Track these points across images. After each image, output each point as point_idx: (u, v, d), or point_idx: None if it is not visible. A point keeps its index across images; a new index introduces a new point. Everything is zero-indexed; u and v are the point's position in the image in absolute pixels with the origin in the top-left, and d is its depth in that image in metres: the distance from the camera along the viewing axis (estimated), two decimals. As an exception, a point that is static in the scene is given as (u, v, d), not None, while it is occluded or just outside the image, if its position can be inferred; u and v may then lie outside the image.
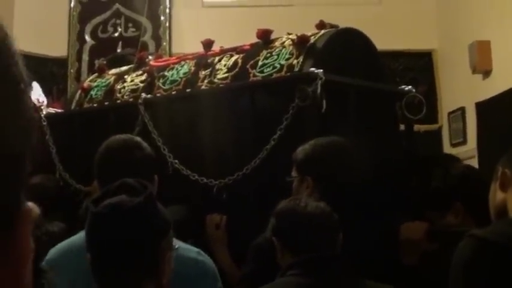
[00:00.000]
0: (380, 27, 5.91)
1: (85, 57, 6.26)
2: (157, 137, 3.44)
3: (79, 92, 4.17)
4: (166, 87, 3.66)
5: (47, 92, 5.25)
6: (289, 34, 3.46)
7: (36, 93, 4.20)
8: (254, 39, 3.59)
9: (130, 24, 6.27)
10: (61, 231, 3.14)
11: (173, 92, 3.60)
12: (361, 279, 2.31)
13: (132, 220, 1.80)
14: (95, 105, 3.97)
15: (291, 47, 3.33)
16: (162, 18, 6.28)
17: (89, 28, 6.30)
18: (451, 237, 2.65)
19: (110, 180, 2.00)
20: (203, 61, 3.63)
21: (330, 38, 3.33)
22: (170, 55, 5.79)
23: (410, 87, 3.62)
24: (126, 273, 1.80)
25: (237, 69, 3.43)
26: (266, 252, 2.45)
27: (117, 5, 6.33)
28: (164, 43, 6.24)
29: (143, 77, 3.83)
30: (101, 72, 4.23)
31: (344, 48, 3.42)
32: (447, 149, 6.02)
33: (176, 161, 3.39)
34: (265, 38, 3.52)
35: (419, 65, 6.35)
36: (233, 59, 3.50)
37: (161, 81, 3.71)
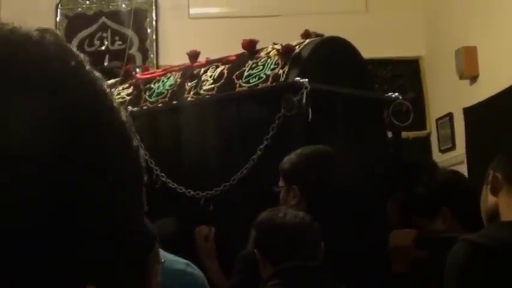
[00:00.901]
0: (367, 35, 5.92)
1: (72, 71, 6.22)
2: (143, 150, 3.43)
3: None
4: (153, 99, 3.65)
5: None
6: (274, 44, 3.46)
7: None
8: (241, 50, 3.59)
9: (117, 37, 6.26)
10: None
11: (159, 105, 3.60)
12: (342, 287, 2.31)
13: None
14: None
15: (276, 57, 3.33)
16: (148, 30, 6.28)
17: (75, 42, 6.28)
18: (440, 243, 2.66)
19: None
20: (189, 73, 3.62)
21: (314, 47, 3.34)
22: (157, 67, 5.77)
23: (397, 94, 3.62)
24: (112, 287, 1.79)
25: (222, 80, 3.43)
26: (253, 263, 2.44)
27: (103, 19, 6.32)
28: (151, 55, 6.23)
29: (129, 90, 3.83)
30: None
31: (329, 56, 3.43)
32: (436, 155, 6.02)
33: (163, 174, 3.38)
34: (251, 48, 3.52)
35: (407, 72, 6.35)
36: (219, 70, 3.50)
37: (147, 93, 3.71)
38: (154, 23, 6.29)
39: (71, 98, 0.55)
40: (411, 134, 5.85)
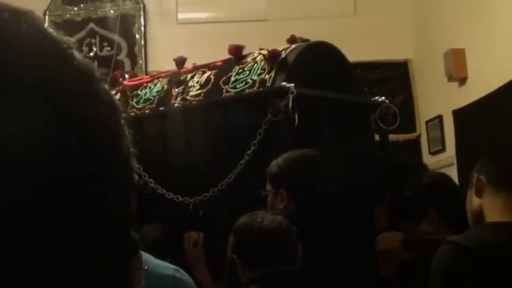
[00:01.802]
0: (356, 39, 5.94)
1: (61, 77, 6.21)
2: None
3: (53, 113, 4.14)
4: (140, 106, 3.65)
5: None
6: (261, 49, 3.46)
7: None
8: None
9: (105, 43, 6.25)
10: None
11: (147, 111, 3.60)
12: None
13: None
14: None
15: (262, 62, 3.34)
16: (136, 36, 6.27)
17: (64, 49, 6.27)
18: (427, 245, 2.66)
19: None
20: (176, 79, 3.63)
21: (301, 52, 3.34)
22: (146, 73, 5.77)
23: (383, 98, 3.63)
24: None
25: (209, 86, 3.43)
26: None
27: (91, 25, 6.31)
28: (140, 61, 6.22)
29: (116, 97, 3.82)
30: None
31: (315, 61, 3.43)
32: (426, 157, 6.03)
33: (151, 180, 3.38)
34: (237, 53, 3.52)
35: (396, 75, 6.36)
36: (205, 75, 3.51)
37: (135, 100, 3.71)
38: (142, 28, 6.29)
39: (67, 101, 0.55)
40: (401, 137, 5.86)
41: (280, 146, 3.05)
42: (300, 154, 2.83)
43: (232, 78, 3.37)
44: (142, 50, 6.25)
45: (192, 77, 3.56)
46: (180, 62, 3.69)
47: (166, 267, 2.35)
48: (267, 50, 3.35)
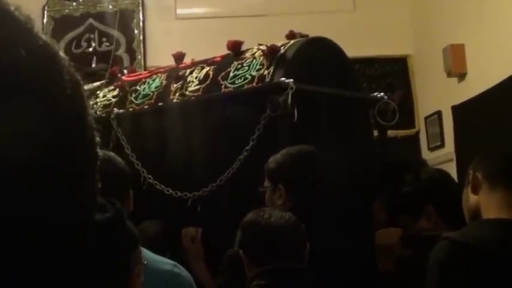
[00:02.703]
0: (355, 34, 5.93)
1: (60, 73, 6.20)
2: (130, 152, 3.43)
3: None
4: (139, 101, 3.65)
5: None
6: (260, 45, 3.46)
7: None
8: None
9: (104, 39, 6.24)
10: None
11: (145, 107, 3.59)
12: None
13: (102, 236, 1.80)
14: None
15: (261, 58, 3.33)
16: (135, 31, 6.26)
17: (62, 44, 6.26)
18: (425, 241, 2.66)
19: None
20: (174, 74, 3.62)
21: (299, 47, 3.34)
22: (145, 68, 5.77)
23: (382, 94, 3.63)
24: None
25: (208, 81, 3.43)
26: (239, 263, 2.44)
27: (90, 20, 6.30)
28: (139, 56, 6.21)
29: (115, 92, 3.82)
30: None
31: (314, 57, 3.43)
32: (425, 153, 6.03)
33: (150, 175, 3.38)
34: (236, 49, 3.51)
35: (395, 71, 6.36)
36: (204, 71, 3.50)
37: (133, 95, 3.70)
38: (141, 23, 6.28)
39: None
40: (400, 133, 5.86)
41: (279, 141, 3.04)
42: (298, 150, 2.83)
43: (231, 74, 3.37)
44: (141, 45, 6.24)
45: (191, 73, 3.55)
46: (179, 57, 3.69)
47: (164, 262, 2.35)
48: (266, 45, 3.35)
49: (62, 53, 0.59)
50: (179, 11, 6.32)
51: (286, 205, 2.70)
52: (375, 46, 6.22)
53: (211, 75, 3.44)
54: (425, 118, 6.08)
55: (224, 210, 3.16)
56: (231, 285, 2.61)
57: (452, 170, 4.86)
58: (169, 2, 6.30)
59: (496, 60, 4.77)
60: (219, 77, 3.40)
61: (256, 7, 6.26)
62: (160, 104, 3.53)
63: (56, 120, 0.54)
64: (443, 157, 5.58)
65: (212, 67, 3.50)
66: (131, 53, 6.22)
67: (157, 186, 3.36)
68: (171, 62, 3.79)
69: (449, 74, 5.43)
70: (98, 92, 3.96)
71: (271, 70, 3.23)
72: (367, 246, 2.84)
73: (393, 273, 2.78)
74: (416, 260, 2.68)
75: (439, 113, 5.80)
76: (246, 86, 3.26)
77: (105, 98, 3.85)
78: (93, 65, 5.81)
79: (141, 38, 6.25)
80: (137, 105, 3.64)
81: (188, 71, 3.58)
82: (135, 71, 4.33)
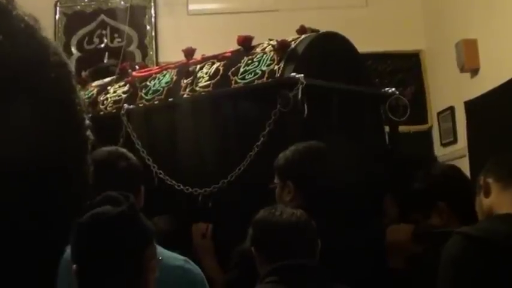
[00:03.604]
0: (367, 30, 5.90)
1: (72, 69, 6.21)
2: (141, 148, 3.43)
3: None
4: (149, 97, 3.64)
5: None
6: (270, 40, 3.45)
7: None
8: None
9: (116, 35, 6.24)
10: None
11: (155, 102, 3.59)
12: (339, 286, 2.30)
13: (115, 228, 1.81)
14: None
15: (271, 53, 3.32)
16: (147, 27, 6.26)
17: (74, 40, 6.28)
18: (436, 238, 2.65)
19: (95, 192, 1.99)
20: (185, 70, 3.61)
21: (310, 42, 3.32)
22: (157, 64, 5.76)
23: (393, 89, 3.60)
24: (111, 282, 1.81)
25: (218, 77, 3.42)
26: (249, 258, 2.43)
27: (102, 16, 6.30)
28: (150, 52, 6.21)
29: (125, 88, 3.82)
30: (84, 84, 4.22)
31: (325, 52, 3.41)
32: (438, 149, 6.00)
33: (161, 171, 3.37)
34: (246, 44, 3.50)
35: (407, 66, 6.32)
36: (214, 66, 3.49)
37: (143, 91, 3.70)
38: (153, 19, 6.28)
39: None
40: (412, 128, 5.83)
41: (290, 137, 3.03)
42: (307, 146, 2.82)
43: (241, 69, 3.36)
44: (153, 41, 6.24)
45: (201, 68, 3.54)
46: (189, 53, 3.68)
47: (176, 258, 2.35)
48: (276, 40, 3.33)
49: (44, 34, 0.56)
50: (191, 7, 6.31)
51: (295, 202, 2.70)
52: (387, 42, 6.20)
53: (221, 71, 3.44)
54: (438, 114, 6.05)
55: (234, 206, 3.15)
56: (240, 281, 2.60)
57: (465, 165, 4.83)
58: (181, -3, 6.30)
59: (509, 55, 4.73)
60: (229, 73, 3.39)
61: (269, 2, 6.25)
62: (170, 99, 3.52)
63: (38, 104, 0.53)
64: (456, 153, 5.55)
65: (222, 62, 3.49)
66: (143, 49, 6.22)
67: (168, 182, 3.35)
68: (183, 58, 3.79)
69: (462, 69, 5.40)
70: (108, 87, 3.97)
71: (282, 65, 3.21)
72: (378, 242, 2.82)
73: (404, 270, 2.77)
74: (428, 257, 2.67)
75: (451, 109, 5.77)
76: (256, 82, 3.25)
77: (115, 94, 3.85)
78: (105, 61, 5.81)
79: (153, 34, 6.25)
80: (147, 100, 3.64)
81: (198, 66, 3.57)
82: (145, 67, 4.33)
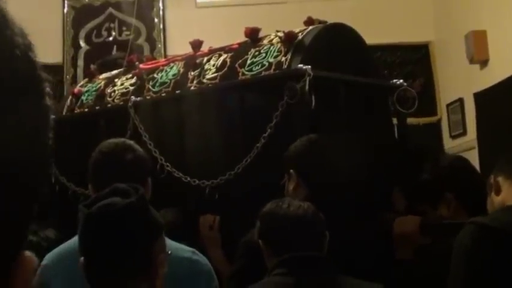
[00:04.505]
0: (376, 21, 5.89)
1: (80, 62, 6.23)
2: (148, 140, 3.43)
3: (70, 97, 4.16)
4: (156, 89, 3.64)
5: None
6: (277, 31, 3.43)
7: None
8: (248, 38, 3.57)
9: (124, 28, 6.25)
10: (57, 237, 3.14)
11: (163, 94, 3.59)
12: (346, 278, 2.29)
13: (125, 220, 1.78)
14: (86, 110, 3.96)
15: (279, 45, 3.31)
16: (155, 20, 6.26)
17: (83, 33, 6.29)
18: (444, 229, 2.65)
19: (103, 183, 1.99)
20: (192, 62, 3.61)
21: (317, 33, 3.31)
22: (165, 56, 5.77)
23: (401, 81, 3.59)
24: (120, 274, 1.78)
25: (225, 69, 3.41)
26: (256, 248, 2.43)
27: (110, 9, 6.31)
28: (159, 45, 6.22)
29: (133, 80, 3.82)
30: (92, 76, 4.22)
31: (332, 43, 3.40)
32: (447, 141, 5.99)
33: (168, 163, 3.37)
34: (253, 36, 3.49)
35: (417, 58, 6.31)
36: (221, 58, 3.48)
37: (151, 83, 3.69)
38: (161, 12, 6.28)
39: None
40: (422, 120, 5.83)
41: (297, 128, 3.03)
42: (310, 136, 2.83)
43: (249, 61, 3.35)
44: (161, 34, 6.24)
45: (208, 60, 3.54)
46: (196, 45, 3.67)
47: (183, 249, 2.35)
48: (283, 32, 3.32)
49: (8, 13, 0.55)
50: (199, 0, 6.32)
51: (299, 191, 2.70)
52: (396, 33, 6.19)
53: (228, 63, 3.43)
54: (447, 105, 6.04)
55: (242, 198, 3.15)
56: (245, 272, 2.60)
57: (474, 157, 4.82)
58: (189, -10, 6.29)
59: (519, 46, 4.72)
60: (237, 64, 3.38)
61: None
62: (177, 91, 3.52)
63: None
64: (465, 145, 5.54)
65: (229, 54, 3.48)
66: (151, 41, 6.23)
67: (175, 174, 3.35)
68: (191, 51, 3.78)
69: (471, 61, 5.38)
70: (116, 80, 3.96)
71: (289, 57, 3.20)
72: (385, 234, 2.81)
73: (412, 262, 2.76)
74: (436, 248, 2.66)
75: (461, 100, 5.75)
76: (263, 73, 3.24)
77: (122, 86, 3.85)
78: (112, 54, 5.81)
79: (161, 26, 6.25)
80: (155, 93, 3.64)
81: (205, 58, 3.57)
82: (153, 59, 4.32)
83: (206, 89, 3.41)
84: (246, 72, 3.31)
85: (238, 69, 3.35)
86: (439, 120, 6.19)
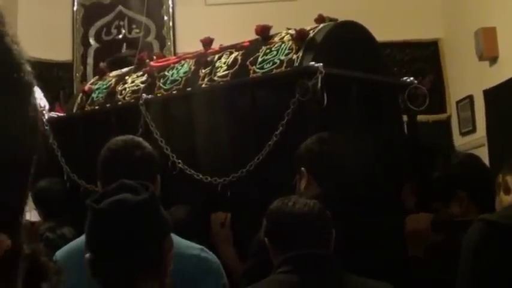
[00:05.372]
0: (386, 18, 5.89)
1: (90, 60, 6.26)
2: (159, 137, 3.44)
3: (80, 95, 4.17)
4: (167, 87, 3.65)
5: (54, 97, 5.25)
6: (288, 29, 3.44)
7: (38, 98, 4.19)
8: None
9: (133, 26, 6.26)
10: (73, 235, 3.15)
11: (174, 92, 3.60)
12: (351, 276, 2.29)
13: (138, 216, 1.78)
14: (97, 107, 3.97)
15: (290, 42, 3.32)
16: (165, 17, 6.27)
17: (92, 31, 6.31)
18: (455, 227, 2.65)
19: (111, 181, 1.99)
20: (203, 59, 3.61)
21: (329, 31, 3.31)
22: (175, 54, 5.78)
23: (412, 78, 3.59)
24: (129, 272, 1.78)
25: (237, 67, 3.42)
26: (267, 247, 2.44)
27: (119, 7, 6.33)
28: (168, 43, 6.23)
29: (144, 78, 3.83)
30: (102, 74, 4.23)
31: (344, 41, 3.40)
32: (457, 138, 5.98)
33: (179, 160, 3.38)
34: (264, 34, 3.50)
35: (426, 55, 6.30)
36: (233, 56, 3.49)
37: (162, 81, 3.70)
38: (170, 10, 6.29)
39: None
40: (431, 118, 5.82)
41: (309, 126, 3.03)
42: (320, 134, 2.83)
43: (260, 59, 3.35)
44: (171, 31, 6.25)
45: (219, 58, 3.54)
46: (207, 42, 3.68)
47: (192, 247, 2.35)
48: (295, 29, 3.33)
49: None
50: (209, -3, 6.33)
51: (311, 189, 2.70)
52: (406, 30, 6.18)
53: (239, 60, 3.43)
54: (457, 102, 6.03)
55: (253, 196, 3.16)
56: (259, 270, 2.60)
57: (484, 155, 4.81)
58: (199, -12, 6.30)
59: (529, 43, 4.71)
60: (248, 62, 3.39)
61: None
62: (188, 89, 3.53)
63: None
64: (475, 142, 5.53)
65: (240, 52, 3.49)
66: (161, 39, 6.24)
67: (187, 171, 3.36)
68: (201, 48, 3.79)
69: (480, 58, 5.38)
70: (127, 77, 3.97)
71: (300, 54, 3.21)
72: (396, 231, 2.82)
73: (424, 259, 2.76)
74: (447, 245, 2.67)
75: (470, 97, 5.74)
76: (274, 71, 3.25)
77: (133, 84, 3.86)
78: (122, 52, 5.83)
79: (171, 24, 6.26)
80: (166, 90, 3.64)
81: (216, 56, 3.57)
82: (163, 57, 4.33)
83: (217, 87, 3.41)
84: (257, 70, 3.32)
85: (250, 66, 3.36)
86: (449, 118, 6.19)
